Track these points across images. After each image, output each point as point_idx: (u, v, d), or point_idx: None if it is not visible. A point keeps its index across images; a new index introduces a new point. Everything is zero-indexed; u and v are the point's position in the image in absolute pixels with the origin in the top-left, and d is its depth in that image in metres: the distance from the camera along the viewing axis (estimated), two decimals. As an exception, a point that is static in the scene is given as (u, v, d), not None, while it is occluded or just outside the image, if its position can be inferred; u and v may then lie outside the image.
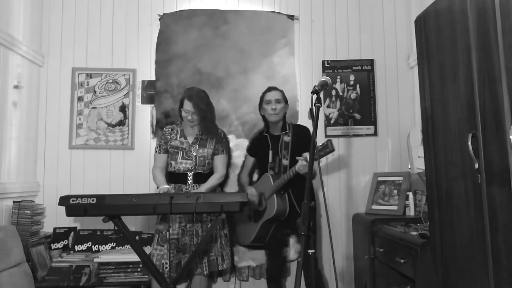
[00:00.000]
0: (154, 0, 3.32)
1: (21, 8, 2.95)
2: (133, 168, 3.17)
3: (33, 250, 2.65)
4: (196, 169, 2.68)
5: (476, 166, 1.54)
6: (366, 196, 3.16)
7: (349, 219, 3.17)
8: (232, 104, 3.24)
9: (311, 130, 2.38)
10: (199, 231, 2.62)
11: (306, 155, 2.44)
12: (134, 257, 2.51)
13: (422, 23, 2.01)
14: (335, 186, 3.26)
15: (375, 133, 3.30)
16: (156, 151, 2.77)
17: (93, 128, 3.19)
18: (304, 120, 3.20)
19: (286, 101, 2.81)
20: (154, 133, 3.19)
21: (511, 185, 1.37)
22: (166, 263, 2.52)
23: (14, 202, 2.74)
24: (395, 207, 2.89)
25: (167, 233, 2.54)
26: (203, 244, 2.44)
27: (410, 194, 2.87)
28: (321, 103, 1.73)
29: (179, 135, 2.75)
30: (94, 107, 3.21)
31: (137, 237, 2.95)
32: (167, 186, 2.57)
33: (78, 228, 3.02)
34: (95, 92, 3.22)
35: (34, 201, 2.92)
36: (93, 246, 2.96)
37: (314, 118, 1.69)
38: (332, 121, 3.30)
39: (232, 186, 3.12)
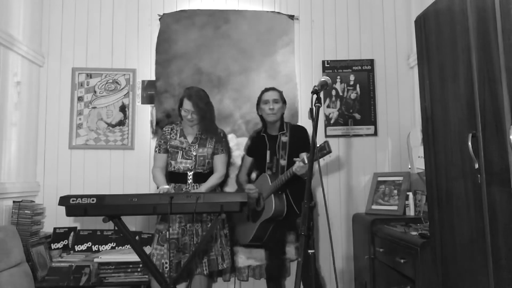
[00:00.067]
0: (154, 0, 3.32)
1: (21, 8, 2.95)
2: (133, 168, 3.17)
3: (33, 250, 2.65)
4: (196, 168, 2.68)
5: (476, 166, 1.54)
6: (366, 196, 3.16)
7: (349, 219, 3.17)
8: (235, 103, 3.24)
9: (310, 130, 2.39)
10: (199, 231, 2.62)
11: (304, 156, 2.45)
12: (134, 257, 2.51)
13: (422, 23, 2.01)
14: (335, 186, 3.26)
15: (375, 133, 3.30)
16: (156, 151, 2.77)
17: (93, 128, 3.19)
18: (304, 120, 3.20)
19: (284, 101, 2.82)
20: (154, 133, 3.19)
21: (511, 185, 1.37)
22: (166, 263, 2.52)
23: (14, 202, 2.74)
24: (395, 207, 2.89)
25: (167, 233, 2.54)
26: (203, 244, 2.44)
27: (410, 194, 2.87)
28: (321, 103, 1.73)
29: (178, 134, 2.75)
30: (94, 107, 3.21)
31: (137, 237, 2.95)
32: (167, 187, 2.57)
33: (78, 228, 3.02)
34: (95, 92, 3.22)
35: (34, 201, 2.92)
36: (93, 246, 2.96)
37: (314, 118, 1.69)
38: (332, 121, 3.30)
39: (232, 185, 3.13)
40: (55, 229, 2.97)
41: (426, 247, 2.04)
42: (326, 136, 3.25)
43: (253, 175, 3.03)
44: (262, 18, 3.33)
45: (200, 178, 2.68)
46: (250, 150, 2.95)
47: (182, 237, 2.60)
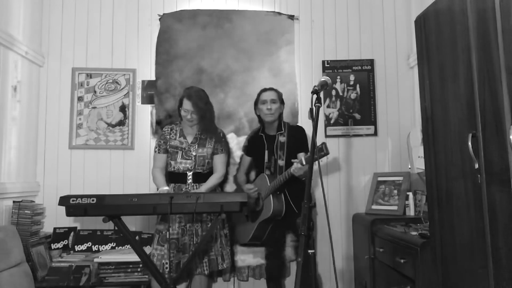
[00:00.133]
0: (154, 0, 3.32)
1: (21, 8, 2.95)
2: (133, 168, 3.17)
3: (33, 250, 2.65)
4: (196, 168, 2.68)
5: (476, 166, 1.54)
6: (366, 196, 3.16)
7: (349, 219, 3.17)
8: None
9: (310, 130, 2.39)
10: (199, 231, 2.62)
11: (301, 157, 2.45)
12: (134, 257, 2.51)
13: (422, 23, 2.01)
14: (335, 186, 3.26)
15: (375, 133, 3.30)
16: (155, 151, 2.77)
17: (93, 128, 3.19)
18: (304, 120, 3.20)
19: (281, 101, 2.82)
20: (154, 133, 3.19)
21: (511, 185, 1.37)
22: (166, 263, 2.52)
23: (14, 202, 2.74)
24: (395, 207, 2.89)
25: (167, 233, 2.54)
26: (203, 244, 2.44)
27: (410, 194, 2.87)
28: (321, 103, 1.73)
29: (178, 134, 2.75)
30: (94, 107, 3.21)
31: (137, 237, 2.95)
32: (167, 188, 2.57)
33: (78, 228, 3.02)
34: (95, 92, 3.22)
35: (34, 201, 2.92)
36: (93, 246, 2.96)
37: (314, 118, 1.69)
38: (332, 121, 3.30)
39: (232, 184, 3.12)
40: (55, 229, 2.97)
41: (426, 247, 2.04)
42: (326, 136, 3.26)
43: (252, 175, 3.04)
44: (262, 18, 3.33)
45: (200, 178, 2.68)
46: (248, 149, 2.95)
47: (182, 237, 2.60)
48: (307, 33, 3.37)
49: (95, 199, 2.15)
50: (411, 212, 2.84)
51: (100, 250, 2.94)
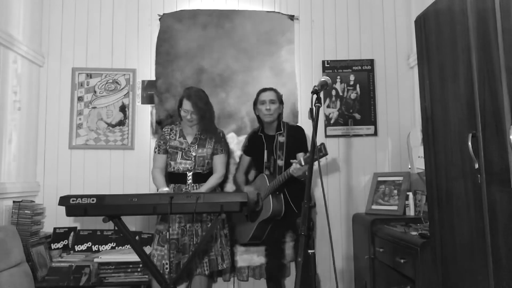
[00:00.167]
0: (154, 0, 3.32)
1: (21, 8, 2.95)
2: (133, 168, 3.17)
3: (33, 250, 2.65)
4: (196, 169, 2.68)
5: (476, 166, 1.54)
6: (366, 196, 3.16)
7: (349, 219, 3.17)
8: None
9: (310, 130, 2.39)
10: (198, 231, 2.62)
11: (300, 157, 2.46)
12: (134, 257, 2.51)
13: (422, 23, 2.01)
14: (335, 186, 3.26)
15: (375, 133, 3.30)
16: (155, 152, 2.77)
17: (93, 128, 3.19)
18: (304, 120, 3.20)
19: (280, 102, 2.82)
20: (154, 133, 3.19)
21: (511, 185, 1.37)
22: (166, 264, 2.52)
23: (14, 202, 2.74)
24: (395, 207, 2.89)
25: (167, 233, 2.54)
26: (203, 244, 2.44)
27: (410, 194, 2.87)
28: (321, 103, 1.73)
29: (178, 135, 2.75)
30: (94, 107, 3.21)
31: (137, 237, 2.95)
32: (167, 189, 2.56)
33: (78, 228, 3.02)
34: (95, 92, 3.22)
35: (34, 201, 2.92)
36: (93, 246, 2.96)
37: (314, 118, 1.69)
38: (332, 121, 3.30)
39: (232, 184, 3.12)
40: (55, 229, 2.97)
41: (426, 247, 2.04)
42: (326, 136, 3.26)
43: (251, 175, 3.04)
44: (262, 18, 3.33)
45: (200, 178, 2.68)
46: (247, 149, 2.95)
47: (182, 238, 2.60)
48: (307, 33, 3.37)
49: (95, 199, 2.15)
50: (411, 212, 2.84)
51: (100, 250, 2.94)
